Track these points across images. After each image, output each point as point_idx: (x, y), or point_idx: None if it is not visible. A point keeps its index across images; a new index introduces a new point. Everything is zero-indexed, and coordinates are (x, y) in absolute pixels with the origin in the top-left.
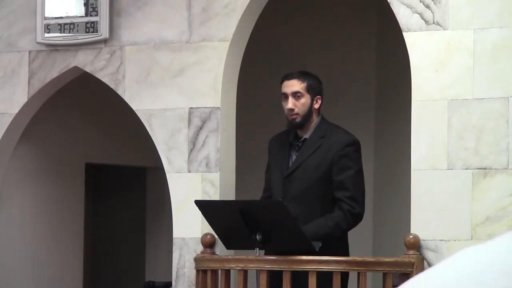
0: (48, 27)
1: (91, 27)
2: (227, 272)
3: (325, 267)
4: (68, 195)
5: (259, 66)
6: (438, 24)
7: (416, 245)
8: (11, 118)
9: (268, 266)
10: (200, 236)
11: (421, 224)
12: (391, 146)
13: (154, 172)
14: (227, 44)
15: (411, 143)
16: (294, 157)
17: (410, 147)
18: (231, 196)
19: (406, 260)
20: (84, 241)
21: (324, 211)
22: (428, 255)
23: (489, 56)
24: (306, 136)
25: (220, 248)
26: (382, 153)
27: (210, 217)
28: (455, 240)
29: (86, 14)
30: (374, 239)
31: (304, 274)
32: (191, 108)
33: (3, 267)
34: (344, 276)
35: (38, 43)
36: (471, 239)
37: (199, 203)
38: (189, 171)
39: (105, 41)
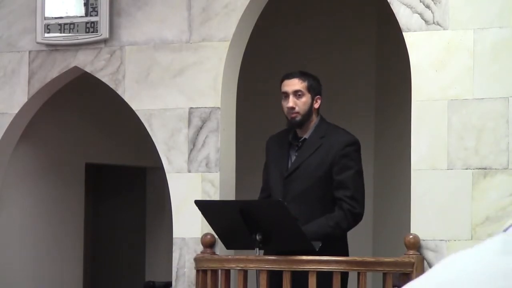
0: (48, 27)
1: (91, 27)
2: (227, 272)
3: (325, 267)
4: (68, 195)
5: (259, 66)
6: (438, 24)
7: (416, 245)
8: (11, 118)
9: (268, 266)
10: (200, 236)
11: (421, 224)
12: (391, 146)
13: (154, 172)
14: (227, 44)
15: (411, 143)
16: (293, 157)
17: (410, 147)
18: (231, 196)
19: (406, 260)
20: (84, 241)
21: (324, 211)
22: (428, 255)
23: (489, 56)
24: (306, 136)
25: (220, 248)
26: (382, 153)
27: (210, 217)
28: (455, 240)
29: (86, 14)
30: (374, 239)
31: (304, 274)
32: (191, 108)
33: (3, 267)
34: (344, 276)
35: (38, 43)
36: (471, 239)
37: (199, 203)
38: (189, 171)
39: (105, 41)
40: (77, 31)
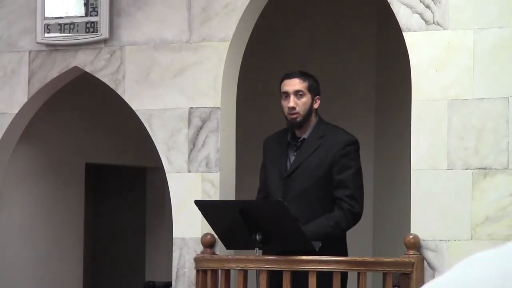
0: (48, 27)
1: (91, 27)
2: (227, 272)
3: (325, 267)
4: (68, 195)
5: (259, 66)
6: (438, 24)
7: (416, 245)
8: (11, 118)
9: (268, 266)
10: (200, 236)
11: (421, 224)
12: (391, 146)
13: (154, 172)
14: (227, 44)
15: (411, 143)
16: (292, 157)
17: (410, 147)
18: (231, 196)
19: (406, 260)
20: (84, 241)
21: (324, 211)
22: (428, 255)
23: (489, 56)
24: (305, 136)
25: (220, 248)
26: (382, 153)
27: (210, 217)
28: (455, 240)
29: (86, 14)
30: (374, 239)
31: (304, 274)
32: (191, 108)
33: (3, 267)
34: (343, 276)
35: (38, 43)
36: (471, 239)
37: (199, 203)
38: (189, 171)
39: (105, 41)
40: (77, 31)
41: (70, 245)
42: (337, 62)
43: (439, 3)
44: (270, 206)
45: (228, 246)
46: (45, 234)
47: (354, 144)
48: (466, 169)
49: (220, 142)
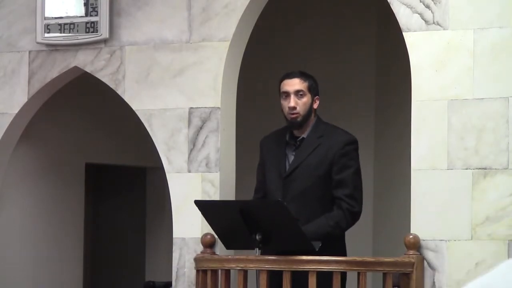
0: (48, 27)
1: (91, 27)
2: (227, 272)
3: (325, 267)
4: (68, 195)
5: (259, 66)
6: (438, 24)
7: (416, 245)
8: (11, 118)
9: (268, 266)
10: (200, 236)
11: (421, 224)
12: (391, 146)
13: (154, 172)
14: (227, 44)
15: (411, 143)
16: (291, 156)
17: (410, 147)
18: (231, 196)
19: (406, 260)
20: (84, 241)
21: (324, 211)
22: (428, 255)
23: (489, 56)
24: (304, 135)
25: (220, 248)
26: (382, 153)
27: (210, 217)
28: (455, 240)
29: (86, 14)
30: (374, 239)
31: (304, 274)
32: (191, 108)
33: (3, 267)
34: (343, 276)
35: (38, 43)
36: (471, 239)
37: (199, 203)
38: (189, 171)
39: (105, 41)
40: (77, 31)
41: (70, 245)
42: (337, 62)
43: (439, 3)
44: (270, 206)
45: (228, 246)
46: (45, 234)
47: (353, 144)
48: (466, 169)
49: (220, 142)
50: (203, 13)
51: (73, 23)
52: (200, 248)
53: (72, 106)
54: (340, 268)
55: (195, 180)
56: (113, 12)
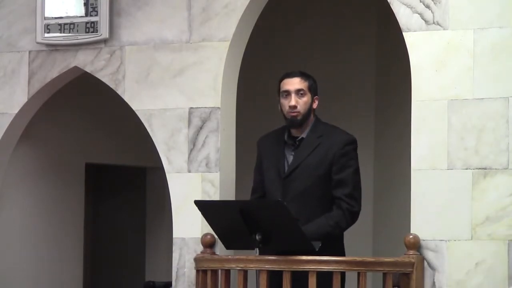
0: (48, 27)
1: (91, 27)
2: (227, 272)
3: (325, 267)
4: (68, 195)
5: (259, 66)
6: (438, 24)
7: (416, 245)
8: (11, 118)
9: (268, 266)
10: (200, 236)
11: (421, 224)
12: (391, 146)
13: (154, 172)
14: (227, 44)
15: (411, 143)
16: (290, 156)
17: (410, 147)
18: (231, 196)
19: (406, 260)
20: (84, 241)
21: (324, 211)
22: (428, 255)
23: (489, 56)
24: (303, 135)
25: (220, 248)
26: (382, 153)
27: (210, 217)
28: (455, 240)
29: (86, 14)
30: (374, 239)
31: (304, 274)
32: (191, 108)
33: (3, 267)
34: (342, 276)
35: (38, 43)
36: (471, 239)
37: (199, 203)
38: (189, 171)
39: (105, 41)
40: (77, 31)
41: (70, 245)
42: (337, 62)
43: (439, 3)
44: (270, 206)
45: (228, 246)
46: (45, 234)
47: (353, 144)
48: (466, 169)
49: (220, 142)
50: (203, 13)
51: (73, 23)
52: (200, 248)
53: (72, 106)
54: (340, 268)
55: (195, 180)
56: (113, 12)
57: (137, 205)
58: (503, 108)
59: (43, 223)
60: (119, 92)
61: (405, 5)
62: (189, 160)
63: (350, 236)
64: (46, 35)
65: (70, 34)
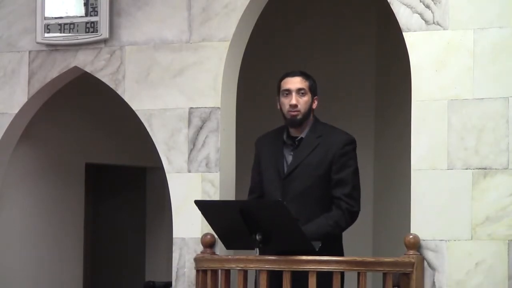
0: (48, 27)
1: (91, 27)
2: (227, 272)
3: (325, 267)
4: (68, 195)
5: (259, 66)
6: (438, 24)
7: (416, 245)
8: (11, 118)
9: (268, 266)
10: (200, 236)
11: (421, 224)
12: (391, 146)
13: (154, 172)
14: (227, 44)
15: (411, 143)
16: (289, 156)
17: (410, 147)
18: (231, 196)
19: (406, 260)
20: (84, 241)
21: (323, 210)
22: (428, 255)
23: (489, 56)
24: (302, 135)
25: (220, 248)
26: (382, 153)
27: (210, 217)
28: (455, 240)
29: (86, 14)
30: (374, 239)
31: (304, 274)
32: (191, 108)
33: (3, 267)
34: (341, 276)
35: (38, 43)
36: (471, 239)
37: (199, 203)
38: (189, 171)
39: (105, 41)
40: (77, 31)
41: (70, 245)
42: (337, 62)
43: (439, 3)
44: (270, 206)
45: (228, 246)
46: (45, 234)
47: (352, 144)
48: (466, 169)
49: (220, 142)
50: (203, 13)
51: (73, 23)
52: (200, 248)
53: (72, 106)
54: (340, 268)
55: (195, 180)
56: (113, 12)
57: (137, 205)
58: (503, 108)
59: (43, 223)
60: (119, 92)
61: (405, 5)
62: (189, 160)
63: (350, 236)
64: (46, 35)
65: (70, 34)
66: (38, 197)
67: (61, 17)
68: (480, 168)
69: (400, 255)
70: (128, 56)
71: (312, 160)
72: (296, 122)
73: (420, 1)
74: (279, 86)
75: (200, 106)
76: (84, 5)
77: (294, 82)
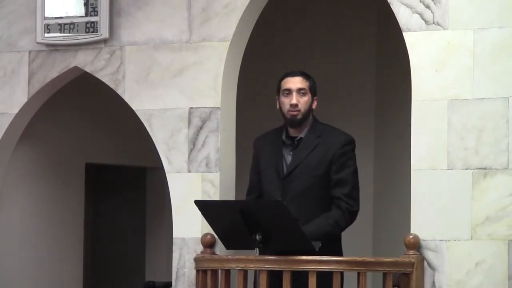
0: (48, 27)
1: (91, 27)
2: (227, 272)
3: (325, 267)
4: (68, 195)
5: (259, 66)
6: (438, 24)
7: (416, 245)
8: (11, 118)
9: (268, 266)
10: (200, 236)
11: (421, 224)
12: (391, 146)
13: (154, 172)
14: (227, 44)
15: (411, 143)
16: (288, 156)
17: (410, 147)
18: (231, 196)
19: (406, 260)
20: (84, 241)
21: (323, 210)
22: (428, 255)
23: (489, 56)
24: (302, 135)
25: (220, 248)
26: (382, 153)
27: (210, 217)
28: (455, 240)
29: (86, 14)
30: (374, 239)
31: (304, 274)
32: (191, 108)
33: (3, 267)
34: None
35: (38, 43)
36: (471, 239)
37: (199, 203)
38: (189, 171)
39: (105, 41)
40: (77, 31)
41: (70, 245)
42: (337, 62)
43: (439, 3)
44: (270, 206)
45: (228, 246)
46: (45, 234)
47: (351, 144)
48: (466, 169)
49: (220, 142)
50: (203, 13)
51: (73, 23)
52: (200, 248)
53: (72, 106)
54: (340, 268)
55: (195, 180)
56: (113, 12)
57: (137, 205)
58: (503, 108)
59: (43, 223)
60: (119, 92)
61: (405, 5)
62: (189, 160)
63: (350, 236)
64: (46, 35)
65: (70, 34)
66: (38, 197)
67: (61, 17)
68: (480, 168)
69: (400, 255)
70: (128, 56)
71: (311, 160)
72: (296, 122)
73: (420, 1)
74: (279, 86)
75: (200, 106)
76: (84, 5)
77: (295, 82)
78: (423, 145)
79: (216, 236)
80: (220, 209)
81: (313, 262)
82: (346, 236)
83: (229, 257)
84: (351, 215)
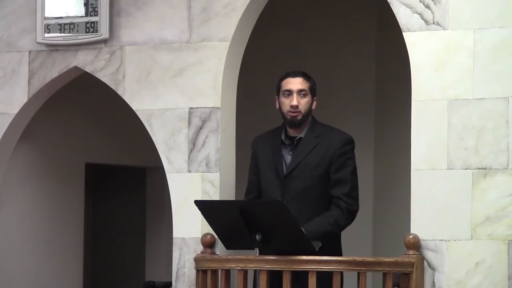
0: (48, 27)
1: (91, 27)
2: (227, 272)
3: (325, 267)
4: (68, 195)
5: (259, 66)
6: (438, 24)
7: (416, 245)
8: (11, 118)
9: (268, 266)
10: (200, 236)
11: (421, 224)
12: (391, 146)
13: (154, 172)
14: (227, 44)
15: (411, 143)
16: (288, 156)
17: (410, 147)
18: (231, 196)
19: (406, 260)
20: (84, 241)
21: (324, 210)
22: (428, 255)
23: (489, 56)
24: (301, 135)
25: (220, 248)
26: (382, 153)
27: (210, 217)
28: (455, 240)
29: (86, 14)
30: (374, 239)
31: (304, 274)
32: (191, 108)
33: (3, 267)
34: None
35: (38, 43)
36: (471, 239)
37: (199, 203)
38: (189, 171)
39: (105, 41)
40: (77, 31)
41: (70, 245)
42: (337, 62)
43: (439, 3)
44: (270, 206)
45: (228, 246)
46: (45, 234)
47: (351, 144)
48: (466, 169)
49: (220, 142)
50: (203, 13)
51: (73, 23)
52: (200, 248)
53: (72, 106)
54: (340, 268)
55: (195, 180)
56: (113, 12)
57: (137, 205)
58: (503, 108)
59: (43, 223)
60: (119, 92)
61: (405, 5)
62: (189, 160)
63: (350, 236)
64: (46, 35)
65: (70, 34)
66: (38, 197)
67: (61, 17)
68: (480, 168)
69: (400, 255)
70: (128, 56)
71: (311, 160)
72: (296, 123)
73: (420, 1)
74: (279, 86)
75: (200, 106)
76: (84, 5)
77: (296, 83)
78: (423, 145)
79: (216, 236)
80: (220, 209)
81: (313, 262)
82: (346, 236)
83: (229, 257)
84: (350, 215)
